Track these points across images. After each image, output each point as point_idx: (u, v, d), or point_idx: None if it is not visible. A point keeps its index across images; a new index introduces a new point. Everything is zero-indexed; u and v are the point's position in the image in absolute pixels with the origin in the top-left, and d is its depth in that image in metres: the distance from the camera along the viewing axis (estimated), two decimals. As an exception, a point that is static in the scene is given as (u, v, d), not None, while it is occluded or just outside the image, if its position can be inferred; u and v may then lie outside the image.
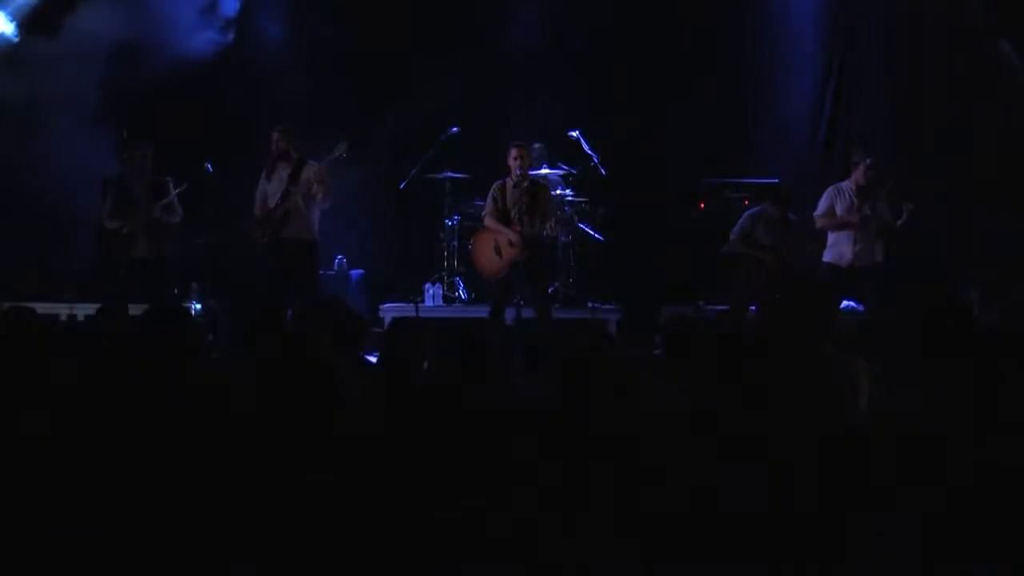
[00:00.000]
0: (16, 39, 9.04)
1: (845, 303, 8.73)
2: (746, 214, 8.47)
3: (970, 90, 9.42)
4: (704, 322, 4.55)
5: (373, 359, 4.59)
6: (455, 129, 9.33)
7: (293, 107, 9.50)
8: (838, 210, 8.06)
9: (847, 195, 8.04)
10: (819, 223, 8.16)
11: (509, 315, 8.17)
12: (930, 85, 9.59)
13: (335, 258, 9.91)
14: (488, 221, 8.00)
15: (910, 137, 9.56)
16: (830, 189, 8.15)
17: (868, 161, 7.95)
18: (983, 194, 9.20)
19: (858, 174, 7.98)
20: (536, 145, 9.14)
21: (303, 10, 10.14)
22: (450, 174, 9.55)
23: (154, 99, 9.25)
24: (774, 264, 8.25)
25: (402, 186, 9.41)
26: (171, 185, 8.11)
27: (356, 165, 8.74)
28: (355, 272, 10.04)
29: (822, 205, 8.13)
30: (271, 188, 8.04)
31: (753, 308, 8.27)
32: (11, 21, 9.11)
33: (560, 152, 9.61)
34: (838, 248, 8.09)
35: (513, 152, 7.82)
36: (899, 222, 7.97)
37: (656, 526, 2.75)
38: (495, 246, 7.93)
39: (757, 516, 2.74)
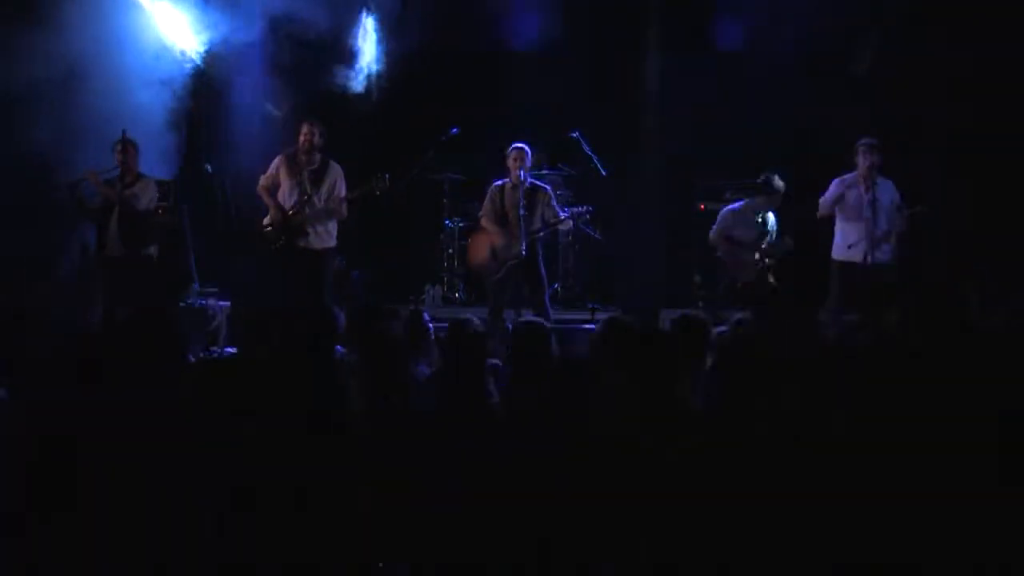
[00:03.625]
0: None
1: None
2: (726, 209, 8.28)
3: (972, 89, 9.39)
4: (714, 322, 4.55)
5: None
6: (455, 130, 9.32)
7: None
8: (850, 202, 7.74)
9: (855, 187, 7.73)
10: (821, 210, 7.86)
11: (508, 316, 8.16)
12: (932, 84, 9.56)
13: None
14: (484, 222, 7.99)
15: (910, 137, 9.53)
16: (837, 180, 7.85)
17: (861, 143, 7.72)
18: (986, 194, 9.16)
19: (859, 160, 7.71)
20: (535, 149, 9.11)
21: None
22: (450, 175, 9.54)
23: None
24: (754, 263, 8.09)
25: (402, 187, 9.39)
26: (146, 182, 7.82)
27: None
28: (355, 273, 10.03)
29: (830, 192, 7.83)
30: (287, 183, 7.65)
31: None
32: None
33: (560, 152, 9.60)
34: (844, 242, 7.78)
35: (513, 154, 7.82)
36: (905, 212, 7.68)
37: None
38: (491, 248, 7.92)
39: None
